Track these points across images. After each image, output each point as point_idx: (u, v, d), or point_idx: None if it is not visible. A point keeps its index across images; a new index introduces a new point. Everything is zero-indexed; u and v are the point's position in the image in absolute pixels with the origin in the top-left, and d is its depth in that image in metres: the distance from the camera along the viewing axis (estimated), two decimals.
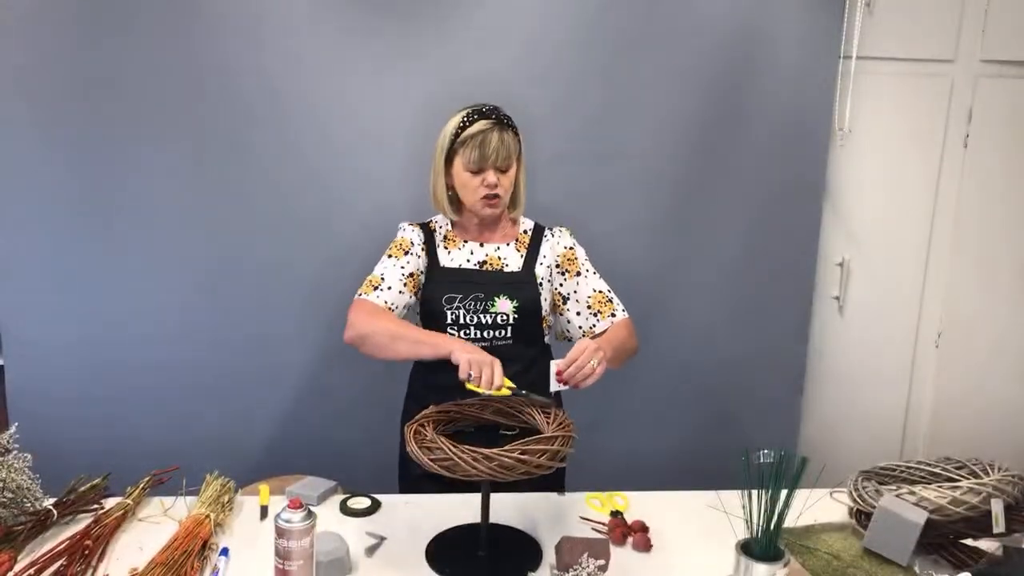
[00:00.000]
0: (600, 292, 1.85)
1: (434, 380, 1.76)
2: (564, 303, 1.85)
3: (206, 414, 2.33)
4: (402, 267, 1.77)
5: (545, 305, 1.81)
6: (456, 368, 1.53)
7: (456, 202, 1.81)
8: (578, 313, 1.84)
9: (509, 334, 1.76)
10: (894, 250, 2.59)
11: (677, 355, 2.48)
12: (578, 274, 1.85)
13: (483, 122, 1.70)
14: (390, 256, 1.79)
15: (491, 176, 1.71)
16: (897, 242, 2.59)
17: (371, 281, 1.75)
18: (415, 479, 1.82)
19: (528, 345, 1.79)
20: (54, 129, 2.16)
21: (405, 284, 1.75)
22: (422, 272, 1.81)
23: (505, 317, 1.74)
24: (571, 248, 1.88)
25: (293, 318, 2.31)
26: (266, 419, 2.36)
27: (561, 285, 1.85)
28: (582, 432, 2.41)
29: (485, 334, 1.75)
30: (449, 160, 1.75)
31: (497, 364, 1.52)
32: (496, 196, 1.73)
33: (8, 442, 1.58)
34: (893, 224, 2.57)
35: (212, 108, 2.19)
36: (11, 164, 2.17)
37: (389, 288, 1.73)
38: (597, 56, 2.28)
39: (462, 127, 1.71)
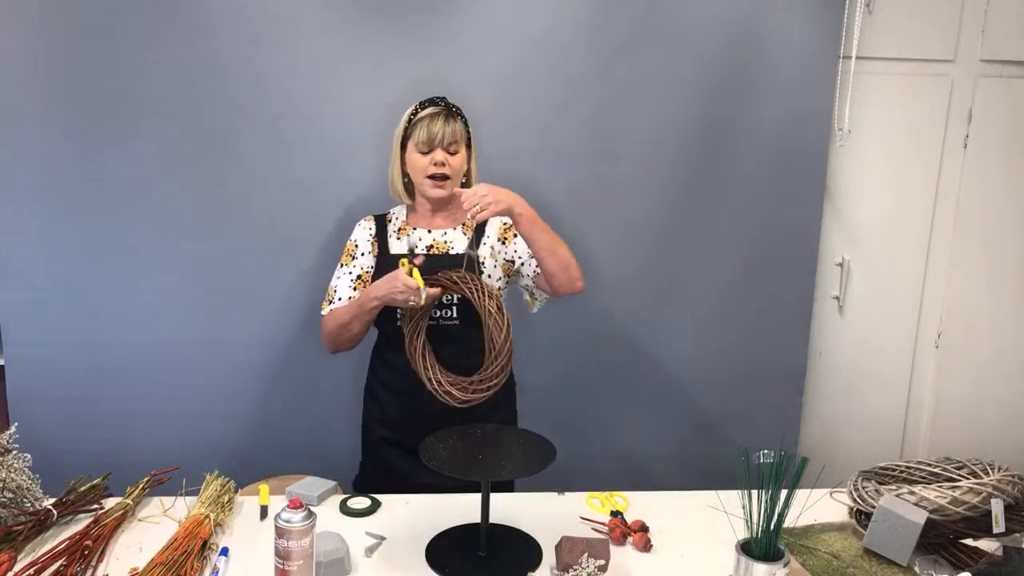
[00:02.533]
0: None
1: (386, 358, 1.95)
2: (514, 264, 1.93)
3: (206, 414, 2.32)
4: (350, 272, 1.93)
5: (491, 283, 1.87)
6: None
7: (411, 189, 1.94)
8: (524, 263, 1.92)
9: (455, 314, 1.85)
10: (894, 250, 2.59)
11: (677, 355, 2.48)
12: (516, 236, 1.93)
13: (432, 108, 1.86)
14: (341, 265, 1.95)
15: (439, 155, 1.83)
16: (897, 242, 2.58)
17: (328, 295, 1.94)
18: (375, 441, 1.96)
19: (474, 326, 1.84)
20: (54, 129, 2.16)
21: (355, 288, 1.91)
22: (372, 268, 1.92)
23: (450, 298, 1.83)
24: (506, 220, 1.95)
25: (293, 318, 2.30)
26: (266, 419, 2.36)
27: (505, 252, 1.92)
28: (583, 432, 2.44)
29: (432, 314, 1.84)
30: (404, 146, 1.89)
31: (407, 280, 1.68)
32: (444, 177, 1.84)
33: (8, 442, 1.59)
34: (893, 224, 2.57)
35: (212, 109, 2.19)
36: (11, 164, 2.17)
37: (340, 299, 1.91)
38: (596, 56, 2.28)
39: (414, 113, 1.87)
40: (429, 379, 1.76)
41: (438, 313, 1.85)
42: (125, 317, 2.26)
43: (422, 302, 1.69)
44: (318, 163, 2.24)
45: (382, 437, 1.95)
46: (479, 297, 1.72)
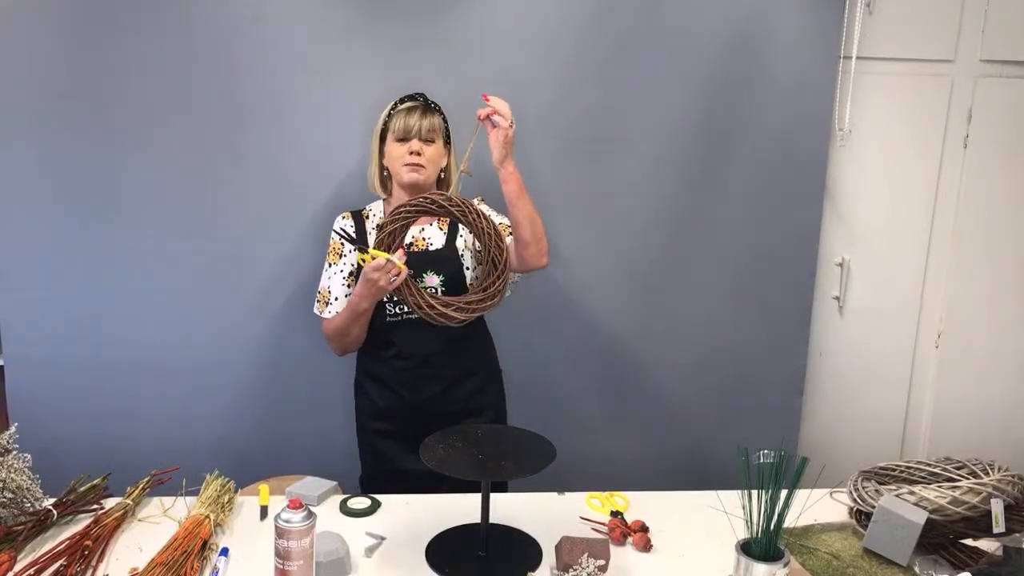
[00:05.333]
0: (503, 222, 1.96)
1: (370, 349, 1.99)
2: None
3: (206, 414, 2.32)
4: (340, 270, 1.98)
5: (469, 275, 1.94)
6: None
7: (387, 184, 2.00)
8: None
9: None
10: (894, 250, 2.59)
11: (677, 355, 2.47)
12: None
13: (411, 103, 1.94)
14: (330, 265, 2.00)
15: (415, 144, 1.89)
16: (897, 242, 2.58)
17: (322, 296, 2.00)
18: (369, 435, 2.02)
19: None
20: (53, 130, 2.15)
21: (348, 286, 1.97)
22: (356, 265, 1.97)
23: (433, 290, 1.89)
24: None
25: (293, 318, 2.30)
26: (266, 419, 2.35)
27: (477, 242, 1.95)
28: (583, 433, 2.44)
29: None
30: (383, 139, 1.95)
31: (374, 267, 1.72)
32: (420, 165, 1.89)
33: (8, 442, 1.59)
34: (893, 224, 2.57)
35: (211, 108, 2.19)
36: (11, 165, 2.16)
37: (336, 299, 1.98)
38: (596, 56, 2.28)
39: (394, 107, 1.94)
40: (419, 305, 1.76)
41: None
42: (125, 317, 2.26)
43: (401, 267, 1.71)
44: (319, 163, 2.24)
45: (375, 430, 2.01)
46: (472, 216, 1.71)
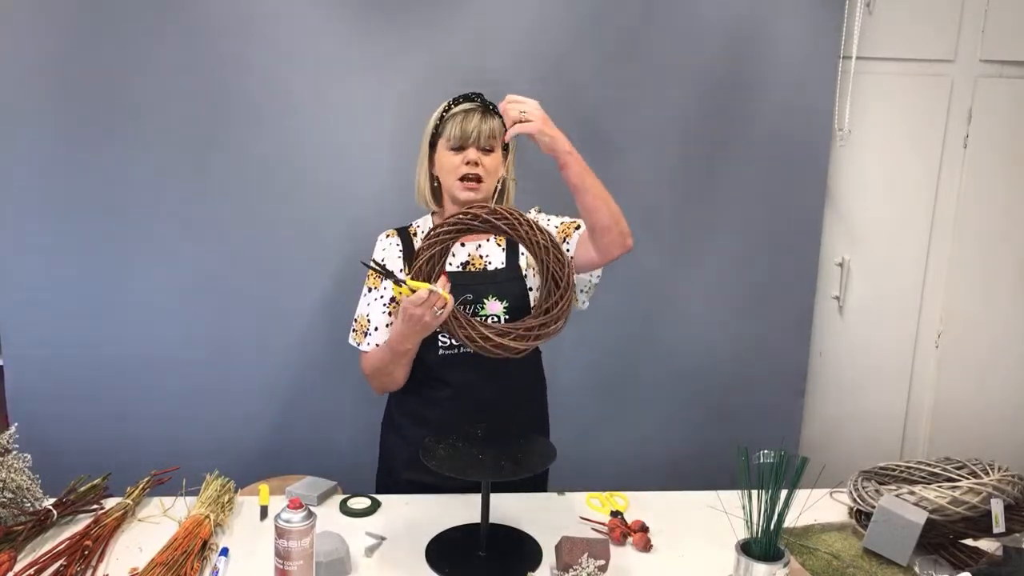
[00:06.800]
0: (563, 222, 1.79)
1: (411, 385, 1.76)
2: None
3: (206, 414, 2.32)
4: (380, 297, 1.74)
5: (533, 297, 1.73)
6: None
7: (439, 196, 1.77)
8: (565, 240, 1.75)
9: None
10: (894, 250, 2.59)
11: (677, 355, 2.48)
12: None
13: (467, 104, 1.70)
14: (369, 289, 1.76)
15: (472, 153, 1.66)
16: (897, 242, 2.59)
17: (360, 325, 1.76)
18: (398, 485, 1.80)
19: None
20: (54, 129, 2.15)
21: (389, 314, 1.73)
22: None
23: (496, 319, 1.68)
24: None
25: (293, 319, 2.30)
26: (266, 419, 2.35)
27: None
28: (583, 433, 2.43)
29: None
30: (433, 146, 1.73)
31: (414, 301, 1.48)
32: (477, 178, 1.67)
33: (8, 442, 1.59)
34: (893, 224, 2.57)
35: (212, 109, 2.19)
36: (11, 165, 2.16)
37: (376, 329, 1.74)
38: (595, 56, 2.28)
39: (447, 109, 1.71)
40: (471, 338, 1.51)
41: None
42: (125, 317, 2.26)
43: (447, 298, 1.49)
44: (322, 163, 2.24)
45: (408, 481, 1.77)
46: (524, 229, 1.46)
